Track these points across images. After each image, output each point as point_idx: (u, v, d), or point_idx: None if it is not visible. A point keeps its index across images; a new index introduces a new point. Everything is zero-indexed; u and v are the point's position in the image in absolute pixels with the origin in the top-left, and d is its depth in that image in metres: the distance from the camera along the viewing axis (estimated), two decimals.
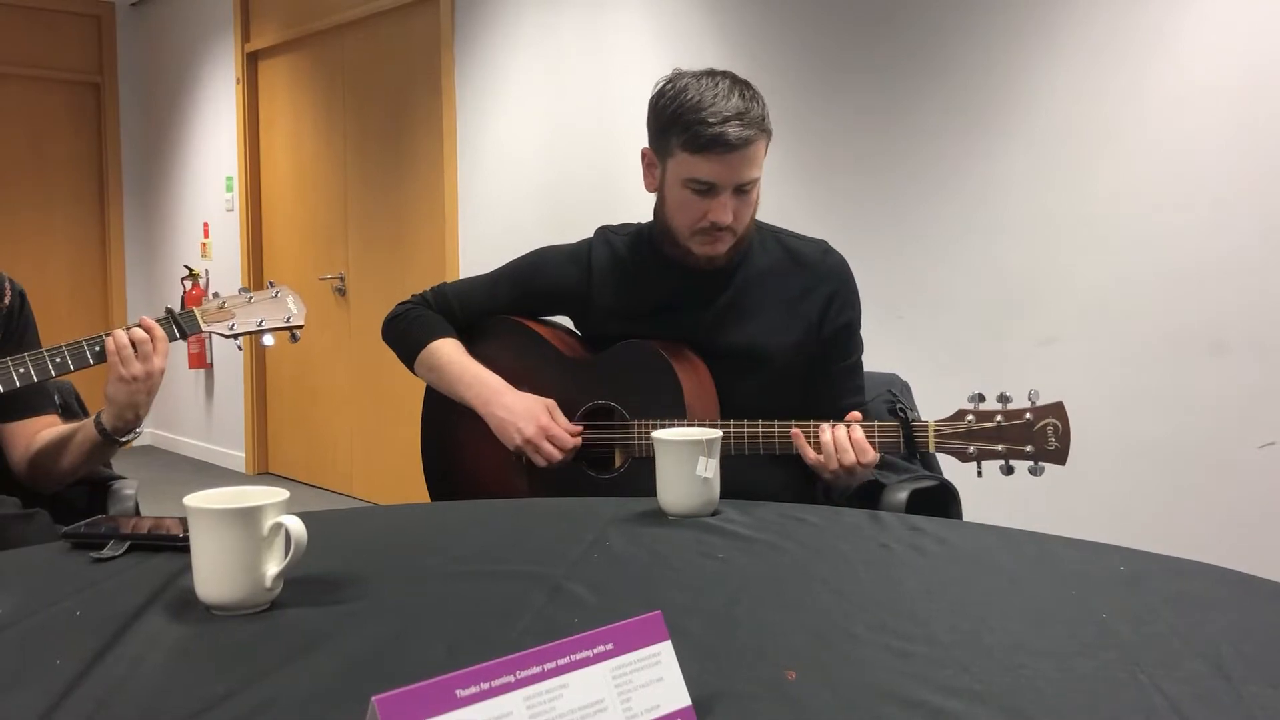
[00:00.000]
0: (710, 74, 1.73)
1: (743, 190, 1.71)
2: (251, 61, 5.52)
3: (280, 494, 1.02)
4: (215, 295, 1.83)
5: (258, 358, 5.58)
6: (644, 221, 1.93)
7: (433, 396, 1.96)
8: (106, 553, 1.20)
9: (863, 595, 1.04)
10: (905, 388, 2.09)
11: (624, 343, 1.79)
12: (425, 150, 4.55)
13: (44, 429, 1.81)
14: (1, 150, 5.85)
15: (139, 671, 0.85)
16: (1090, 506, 2.59)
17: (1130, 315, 2.55)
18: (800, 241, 1.87)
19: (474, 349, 1.88)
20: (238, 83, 5.54)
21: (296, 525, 1.00)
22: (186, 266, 5.90)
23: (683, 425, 1.64)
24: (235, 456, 5.69)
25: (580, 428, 1.76)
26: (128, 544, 1.22)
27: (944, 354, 2.87)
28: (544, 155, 3.95)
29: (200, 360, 5.79)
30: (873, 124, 2.99)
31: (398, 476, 4.81)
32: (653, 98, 1.77)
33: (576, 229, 3.87)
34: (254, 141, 5.55)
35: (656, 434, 1.35)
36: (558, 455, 1.73)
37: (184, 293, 5.84)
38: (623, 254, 1.88)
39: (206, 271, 5.83)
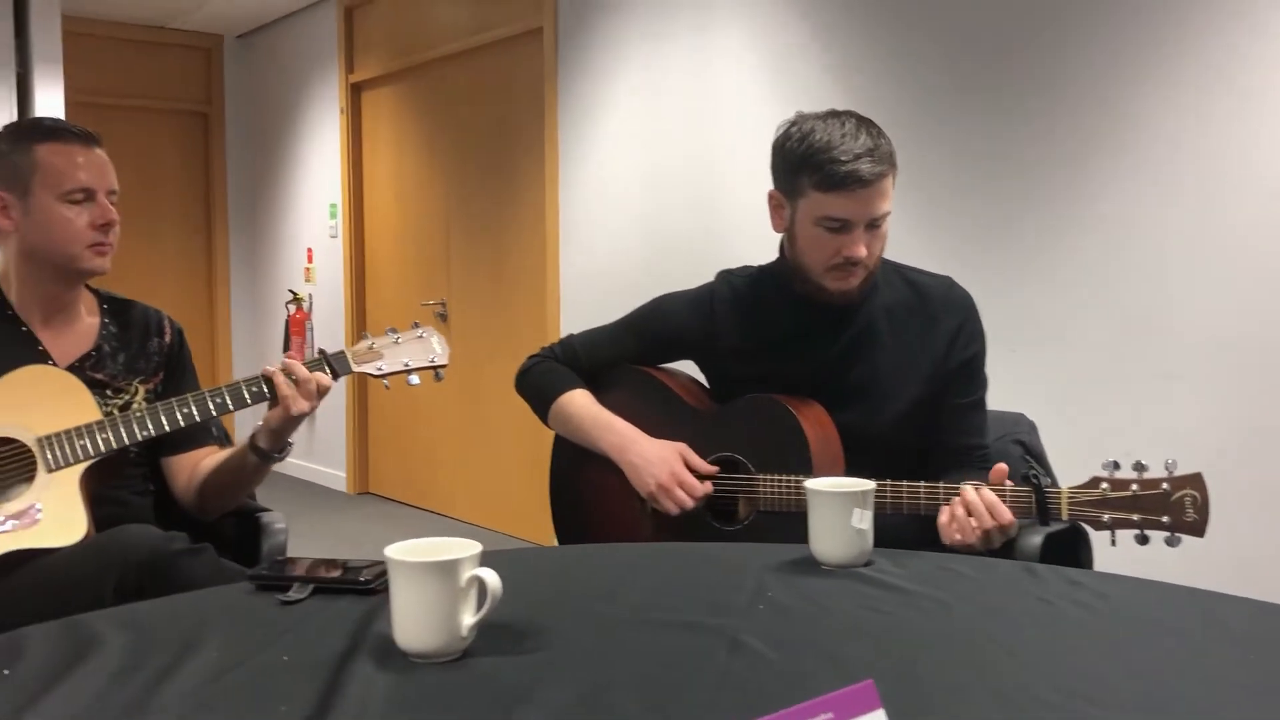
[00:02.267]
0: (834, 114, 1.76)
1: (875, 224, 1.75)
2: (355, 92, 5.68)
3: (475, 546, 1.07)
4: (366, 337, 1.90)
5: (359, 380, 5.72)
6: (762, 264, 1.96)
7: (561, 445, 2.01)
8: (293, 595, 1.26)
9: (1038, 656, 1.05)
10: (1032, 427, 2.09)
11: (749, 396, 1.82)
12: (527, 179, 4.63)
13: (204, 459, 1.90)
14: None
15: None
16: (1215, 553, 2.54)
17: (1252, 351, 2.51)
18: (925, 277, 1.89)
19: (602, 398, 1.93)
20: (341, 112, 5.70)
21: (493, 578, 1.05)
22: (291, 291, 6.07)
23: (817, 476, 1.67)
24: (336, 476, 5.83)
25: (714, 469, 1.80)
26: (312, 587, 1.28)
27: (1058, 389, 2.85)
28: (645, 185, 4.00)
29: None
30: (982, 157, 2.99)
31: (499, 498, 4.89)
32: (778, 140, 1.81)
33: (676, 257, 3.93)
34: (357, 170, 5.70)
35: (810, 484, 1.38)
36: (689, 502, 1.77)
37: (288, 317, 6.01)
38: (745, 294, 1.92)
39: (310, 296, 6.00)
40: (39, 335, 1.81)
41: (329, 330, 5.87)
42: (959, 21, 3.03)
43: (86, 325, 1.88)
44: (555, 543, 4.65)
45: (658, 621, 1.16)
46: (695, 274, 3.71)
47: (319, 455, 6.02)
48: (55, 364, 1.81)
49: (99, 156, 1.84)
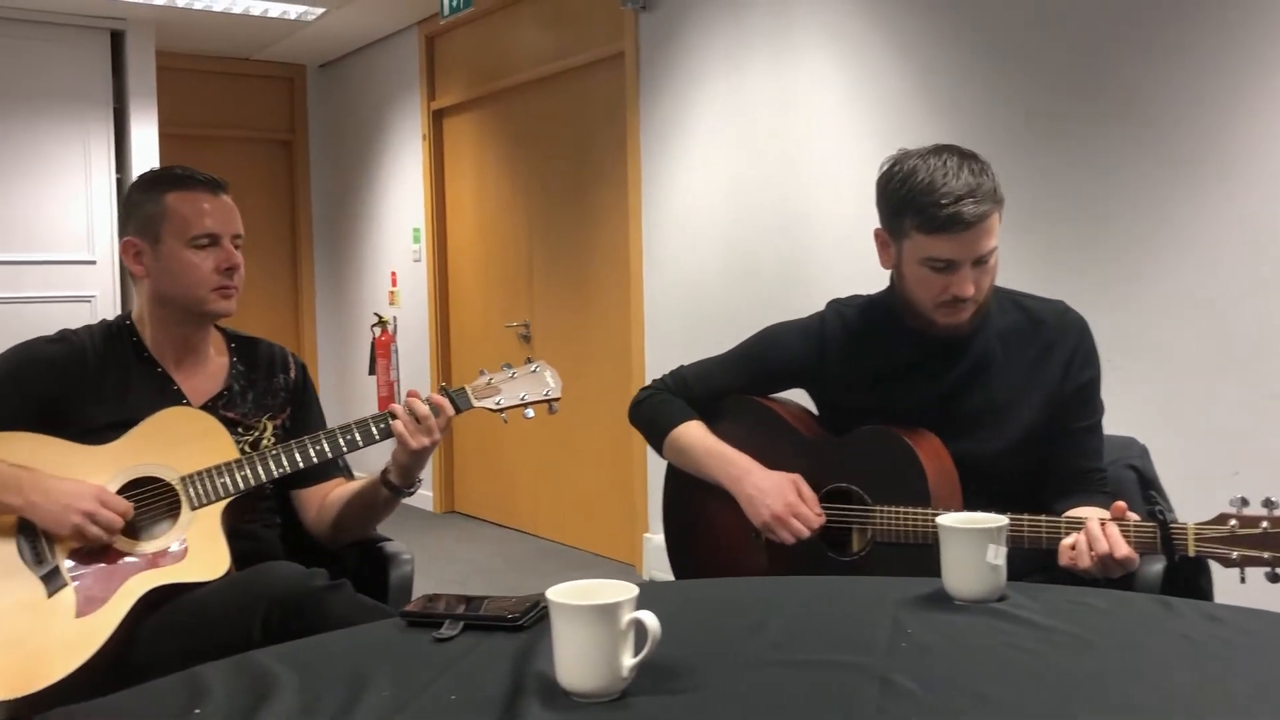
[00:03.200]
0: (936, 151, 1.77)
1: (981, 261, 1.76)
2: (437, 118, 5.79)
3: (632, 589, 1.11)
4: (483, 373, 1.96)
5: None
6: (871, 294, 1.98)
7: (674, 475, 2.05)
8: (445, 632, 1.31)
9: (1191, 698, 1.06)
10: (1144, 451, 2.08)
11: (865, 428, 1.84)
12: (608, 201, 4.69)
13: (331, 491, 1.98)
14: None
15: None
16: None
17: None
18: (1037, 302, 1.90)
19: (714, 429, 1.97)
20: (424, 139, 5.82)
21: (652, 621, 1.09)
22: (376, 314, 6.20)
23: (942, 511, 1.68)
24: (423, 495, 5.93)
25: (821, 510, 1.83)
26: (462, 624, 1.33)
27: (1160, 405, 2.82)
28: (728, 205, 4.03)
29: (389, 403, 6.06)
30: (1078, 177, 2.97)
31: (581, 517, 4.95)
32: (880, 179, 1.82)
33: (761, 278, 3.95)
34: (439, 194, 5.82)
35: (943, 520, 1.40)
36: (804, 532, 1.80)
37: (373, 339, 6.14)
38: (856, 324, 1.94)
39: (395, 319, 6.12)
40: (173, 376, 1.90)
41: (414, 352, 5.98)
42: (1051, 40, 3.03)
43: (216, 365, 1.96)
44: (640, 561, 4.69)
45: (803, 660, 1.19)
46: (780, 294, 3.76)
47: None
48: (190, 404, 1.89)
49: (224, 203, 1.92)
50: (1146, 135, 2.83)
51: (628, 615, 1.09)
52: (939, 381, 1.85)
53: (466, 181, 5.68)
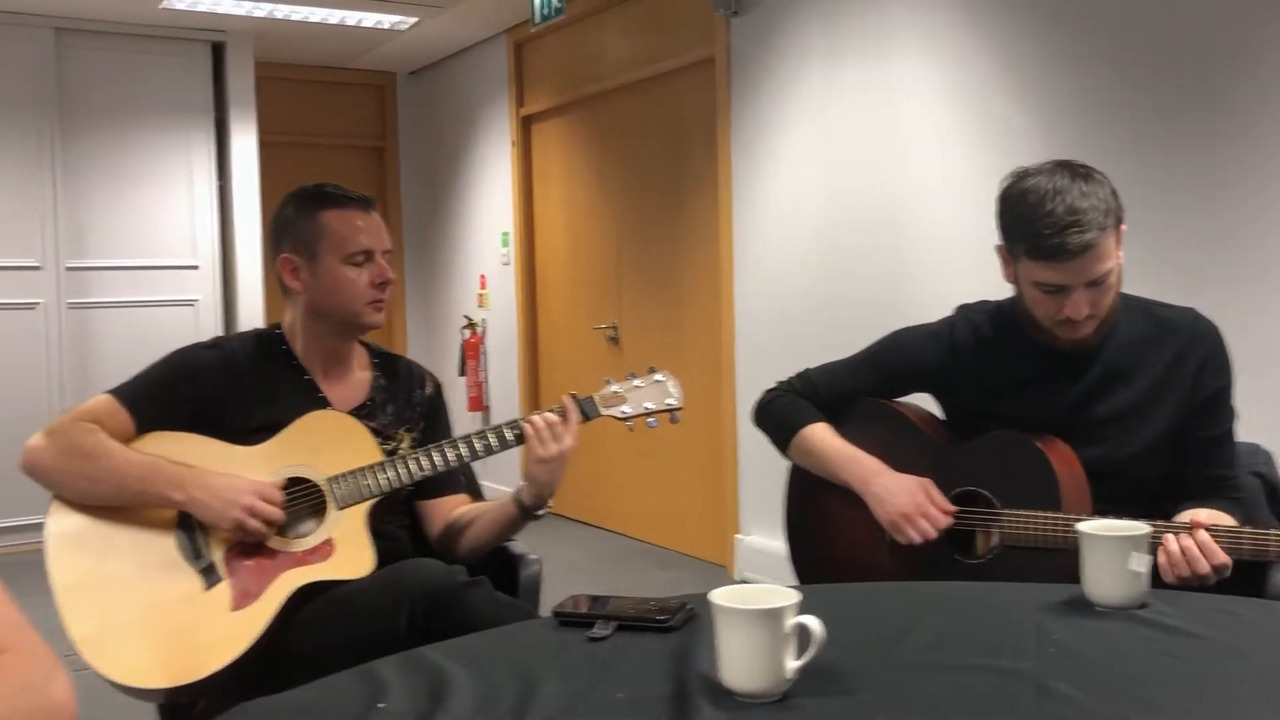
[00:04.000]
0: (1052, 171, 1.77)
1: (1097, 282, 1.76)
2: (525, 124, 5.88)
3: (794, 595, 1.15)
4: (609, 382, 2.01)
5: (530, 397, 5.91)
6: (1000, 300, 1.99)
7: (796, 477, 2.08)
8: (598, 632, 1.36)
9: None
10: (1269, 458, 2.07)
11: (995, 432, 1.86)
12: (697, 206, 4.73)
13: (456, 506, 2.04)
14: None
15: None
16: None
17: None
18: (1168, 310, 1.90)
19: (841, 431, 1.99)
20: (513, 145, 5.91)
21: (817, 626, 1.12)
22: (466, 317, 6.31)
23: (1078, 518, 1.70)
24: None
25: (954, 508, 1.85)
26: (614, 624, 1.38)
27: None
28: (821, 210, 4.05)
29: (478, 404, 6.18)
30: (1194, 180, 2.94)
31: (672, 518, 4.99)
32: (999, 199, 1.84)
33: (856, 282, 3.95)
34: (528, 199, 5.90)
35: (1084, 527, 1.41)
36: (931, 532, 1.82)
37: (463, 342, 6.25)
38: (985, 331, 1.95)
39: (484, 321, 6.23)
40: (320, 384, 1.98)
41: (502, 353, 6.08)
42: (1160, 41, 2.99)
43: (360, 378, 2.03)
44: (731, 562, 4.70)
45: (955, 664, 1.22)
46: (874, 299, 3.76)
47: (500, 476, 6.22)
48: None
49: (375, 219, 2.00)
50: (1264, 137, 2.78)
51: (791, 620, 1.13)
52: (1068, 390, 1.86)
53: (555, 186, 5.76)
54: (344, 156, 6.81)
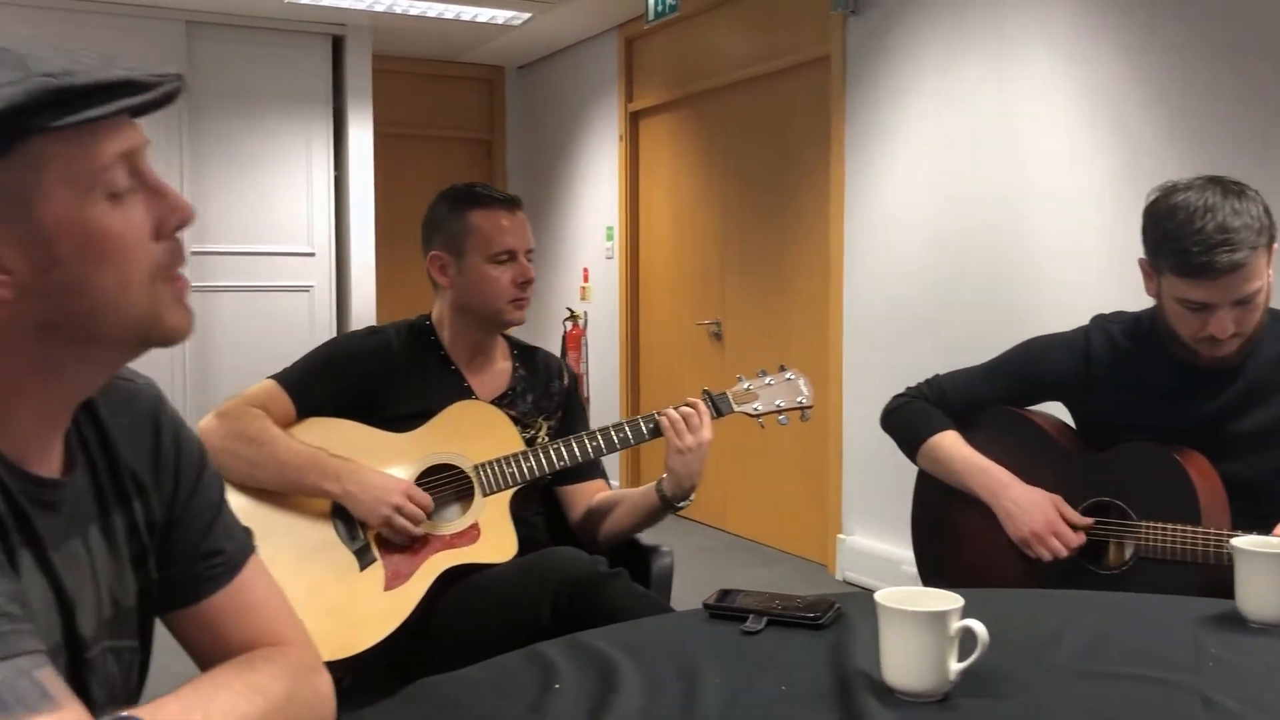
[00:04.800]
0: (1203, 186, 1.75)
1: (1243, 302, 1.74)
2: (634, 120, 5.94)
3: (958, 599, 1.18)
4: (741, 379, 2.05)
5: (630, 390, 5.98)
6: (1138, 312, 1.98)
7: (924, 483, 2.09)
8: (751, 626, 1.40)
9: None
10: None
11: (1131, 443, 1.86)
12: (807, 205, 4.74)
13: (596, 492, 2.10)
14: (408, 203, 6.56)
15: None
16: None
17: None
18: None
19: (971, 439, 2.00)
20: (620, 139, 5.97)
21: (982, 630, 1.15)
22: (568, 309, 6.40)
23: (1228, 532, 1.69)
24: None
25: (1089, 522, 1.85)
26: (766, 619, 1.42)
27: None
28: (939, 211, 4.02)
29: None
30: None
31: (772, 515, 5.01)
32: (1145, 212, 1.83)
33: (972, 285, 3.92)
34: (634, 194, 5.96)
35: (1239, 543, 1.41)
36: (1063, 552, 1.83)
37: (564, 333, 6.34)
38: (1122, 343, 1.94)
39: (586, 314, 6.31)
40: (465, 374, 2.05)
41: (603, 346, 6.15)
42: None
43: (501, 369, 2.10)
44: (832, 562, 4.70)
45: (1113, 673, 1.23)
46: (991, 304, 3.74)
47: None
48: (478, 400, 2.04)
49: (520, 219, 2.06)
50: None
51: (956, 623, 1.16)
52: (1208, 405, 1.84)
53: (661, 181, 5.81)
54: (453, 148, 6.95)
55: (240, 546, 1.08)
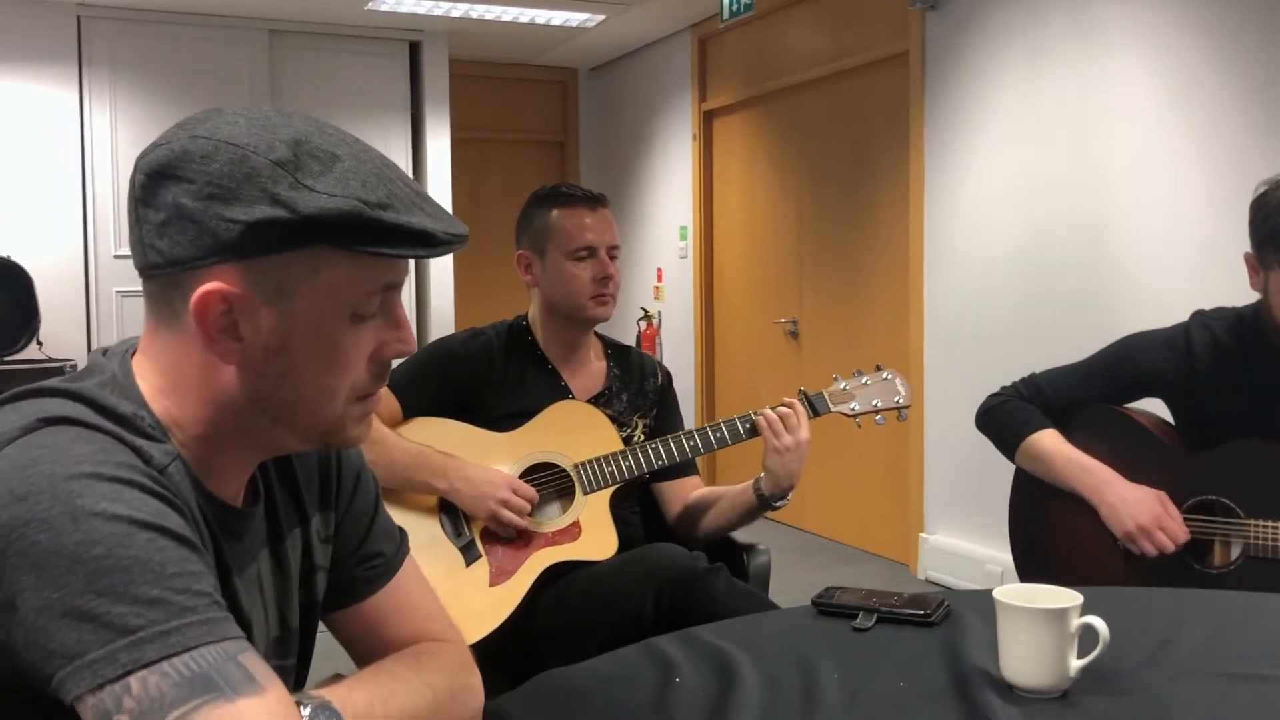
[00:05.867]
0: None
1: None
2: (707, 119, 5.95)
3: (1077, 596, 1.18)
4: (837, 379, 2.06)
5: (706, 389, 5.99)
6: (1240, 307, 1.95)
7: (1022, 482, 2.08)
8: (861, 623, 1.41)
9: None
10: None
11: (1237, 441, 1.83)
12: (886, 202, 4.71)
13: (693, 489, 2.12)
14: (483, 206, 6.66)
15: None
16: None
17: None
18: None
19: (1070, 437, 1.99)
20: (694, 139, 5.99)
21: (1103, 627, 1.15)
22: (642, 308, 6.43)
23: None
24: None
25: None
26: (876, 616, 1.43)
27: None
28: (1020, 210, 3.98)
29: None
30: None
31: (853, 515, 5.00)
32: (1253, 205, 1.81)
33: (1052, 286, 3.88)
34: (708, 193, 5.98)
35: None
36: (1169, 546, 1.81)
37: (638, 333, 6.38)
38: (1224, 340, 1.92)
39: (659, 313, 6.34)
40: (561, 373, 2.09)
41: (678, 346, 6.17)
42: None
43: (596, 367, 2.14)
44: (914, 561, 4.67)
45: (1234, 673, 1.22)
46: (1077, 302, 3.70)
47: None
48: (576, 399, 2.07)
49: (603, 216, 2.09)
50: None
51: (1076, 620, 1.16)
52: None
53: (735, 180, 5.82)
54: (526, 151, 7.02)
55: (397, 548, 1.13)
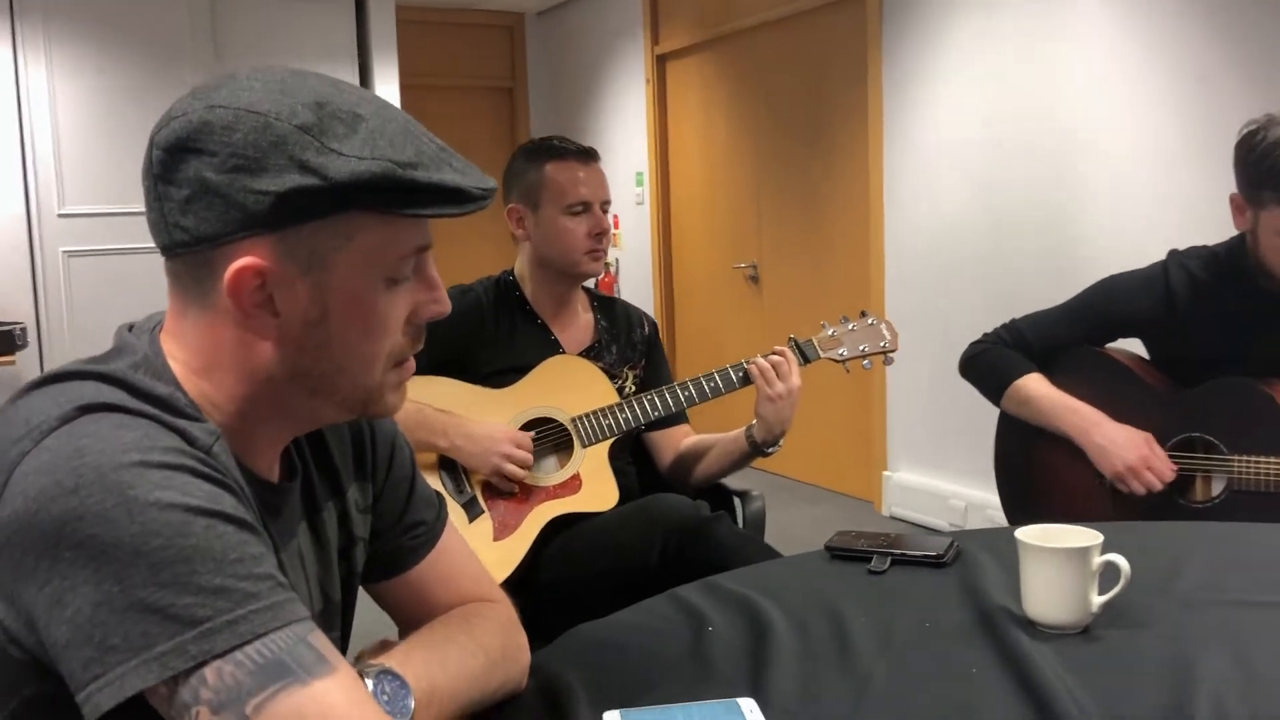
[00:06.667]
0: None
1: None
2: (660, 63, 5.90)
3: (1097, 535, 1.22)
4: (825, 326, 2.08)
5: (667, 335, 6.01)
6: (1215, 245, 2.00)
7: (1007, 426, 2.12)
8: (876, 566, 1.44)
9: None
10: None
11: (1220, 379, 1.88)
12: (844, 144, 4.72)
13: (684, 437, 2.14)
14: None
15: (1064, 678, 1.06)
16: None
17: None
18: None
19: (1054, 379, 2.03)
20: (647, 83, 5.94)
21: (1124, 564, 1.19)
22: None
23: None
24: None
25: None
26: (889, 559, 1.46)
27: None
28: (979, 150, 4.01)
29: None
30: None
31: (816, 454, 5.07)
32: (1240, 143, 1.82)
33: (1019, 223, 3.91)
34: (663, 138, 5.94)
35: None
36: (1157, 485, 1.87)
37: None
38: (1202, 277, 1.96)
39: (617, 261, 6.32)
40: (551, 328, 2.08)
41: (637, 293, 6.17)
42: None
43: (584, 320, 2.14)
44: (879, 498, 4.75)
45: (1242, 600, 1.27)
46: (1037, 240, 3.74)
47: None
48: (567, 353, 2.07)
49: (596, 170, 2.08)
50: None
51: (1098, 558, 1.20)
52: None
53: (691, 124, 5.79)
54: (475, 98, 6.92)
55: (438, 514, 1.13)
